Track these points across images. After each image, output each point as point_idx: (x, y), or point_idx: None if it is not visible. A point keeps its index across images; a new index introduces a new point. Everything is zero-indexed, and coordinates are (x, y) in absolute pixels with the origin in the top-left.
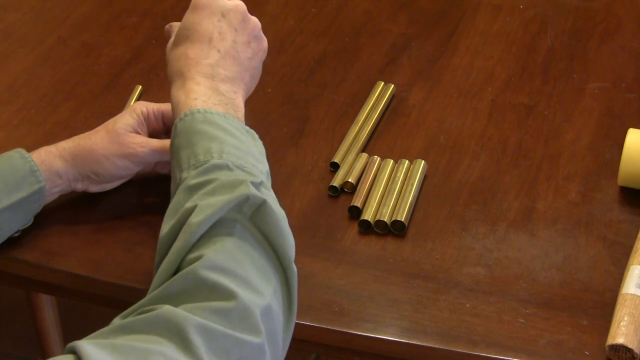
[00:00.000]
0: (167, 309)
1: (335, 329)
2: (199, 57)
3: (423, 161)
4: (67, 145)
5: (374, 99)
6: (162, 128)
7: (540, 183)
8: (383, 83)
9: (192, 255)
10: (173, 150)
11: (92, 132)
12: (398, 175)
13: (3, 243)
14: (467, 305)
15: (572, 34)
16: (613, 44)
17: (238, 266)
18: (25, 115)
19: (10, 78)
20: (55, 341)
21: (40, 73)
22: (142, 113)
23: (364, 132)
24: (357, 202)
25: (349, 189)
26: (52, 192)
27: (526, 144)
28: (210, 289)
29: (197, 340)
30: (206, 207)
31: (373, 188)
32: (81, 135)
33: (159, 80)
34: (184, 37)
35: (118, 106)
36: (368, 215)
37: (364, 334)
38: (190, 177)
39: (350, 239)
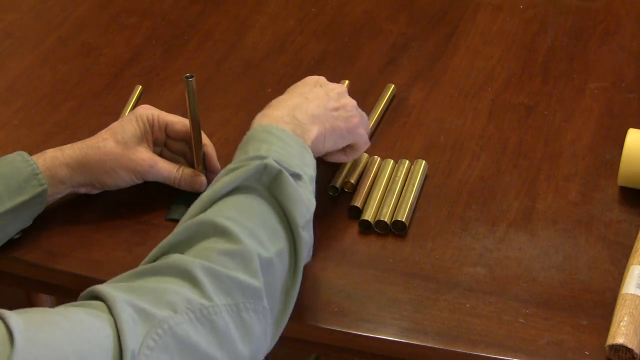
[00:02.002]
0: (175, 256)
1: (335, 329)
2: (288, 97)
3: (424, 161)
4: (74, 154)
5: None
6: (163, 138)
7: (540, 183)
8: (393, 86)
9: (209, 209)
10: (234, 158)
11: (99, 139)
12: (398, 175)
13: (3, 243)
14: (467, 305)
15: (572, 34)
16: (613, 44)
17: (248, 221)
18: (25, 115)
19: (10, 78)
20: None
21: (40, 73)
22: (148, 121)
23: None
24: (357, 202)
25: (349, 189)
26: (54, 197)
27: (526, 144)
28: (221, 233)
29: (204, 280)
30: (227, 177)
31: (373, 188)
32: (89, 144)
33: (159, 80)
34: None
35: (118, 106)
36: (368, 215)
37: (364, 334)
38: (231, 165)
39: (350, 239)
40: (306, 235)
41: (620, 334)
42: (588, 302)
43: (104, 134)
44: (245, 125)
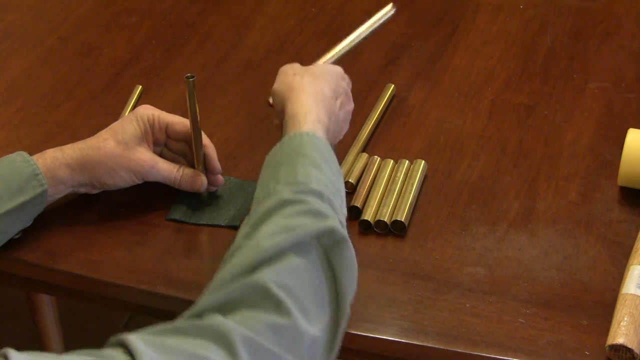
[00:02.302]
0: (217, 319)
1: None
2: (330, 97)
3: (423, 161)
4: (74, 154)
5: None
6: (163, 139)
7: (540, 183)
8: (393, 86)
9: (262, 267)
10: (272, 159)
11: (100, 139)
12: (398, 175)
13: (4, 244)
14: (467, 305)
15: (572, 34)
16: (613, 44)
17: (300, 291)
18: (25, 115)
19: (10, 78)
20: (55, 341)
21: (40, 73)
22: (148, 121)
23: (364, 132)
24: (357, 202)
25: (349, 189)
26: (54, 197)
27: (526, 144)
28: (271, 301)
29: (243, 352)
30: (292, 227)
31: (373, 188)
32: (89, 144)
33: (159, 80)
34: (319, 74)
35: (118, 106)
36: (368, 215)
37: (364, 334)
38: (285, 192)
39: (350, 239)
40: (349, 311)
41: (621, 334)
42: (588, 302)
43: (104, 134)
44: (245, 125)
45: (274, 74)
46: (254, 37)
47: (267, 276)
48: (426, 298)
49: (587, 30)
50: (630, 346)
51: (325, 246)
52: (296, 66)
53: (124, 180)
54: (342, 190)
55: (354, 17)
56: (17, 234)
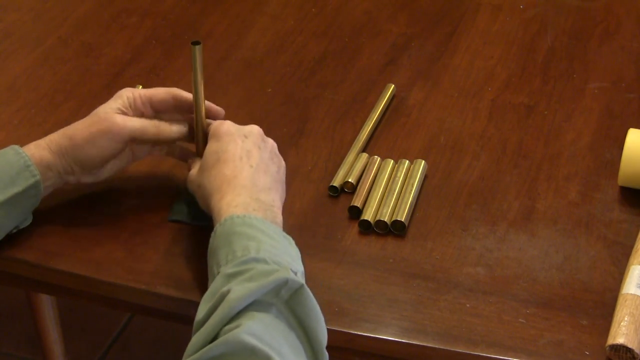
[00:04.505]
0: None
1: (335, 329)
2: (234, 172)
3: (423, 161)
4: (54, 137)
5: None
6: (150, 114)
7: (540, 183)
8: (393, 86)
9: (230, 325)
10: (211, 251)
11: (78, 121)
12: (398, 175)
13: (3, 243)
14: (467, 305)
15: (572, 34)
16: (613, 44)
17: (274, 340)
18: (25, 115)
19: (10, 78)
20: (55, 341)
21: (40, 73)
22: (127, 98)
23: (364, 132)
24: (357, 202)
25: (349, 189)
26: (46, 186)
27: (526, 144)
28: (250, 352)
29: None
30: (244, 288)
31: (373, 188)
32: (68, 126)
33: (159, 80)
34: (214, 161)
35: None
36: (368, 215)
37: (364, 334)
38: (228, 269)
39: (351, 239)
40: (327, 354)
41: (621, 334)
42: (588, 302)
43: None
44: (245, 125)
45: (274, 74)
46: (254, 37)
47: (240, 331)
48: (426, 298)
49: (587, 30)
50: (630, 346)
51: (284, 299)
52: (212, 148)
53: (98, 148)
54: (290, 249)
55: (354, 17)
56: (14, 229)
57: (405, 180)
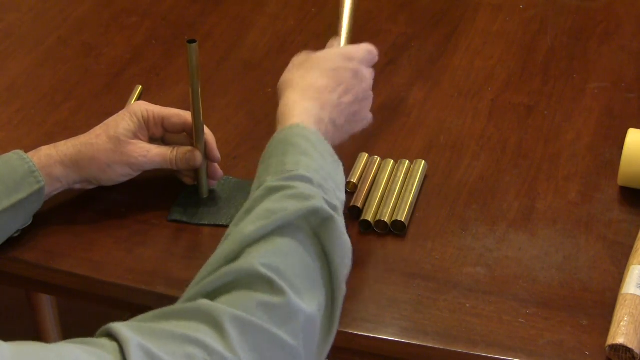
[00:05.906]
0: (205, 302)
1: None
2: (322, 88)
3: (423, 161)
4: (68, 151)
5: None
6: (160, 133)
7: (540, 183)
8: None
9: (250, 250)
10: (264, 155)
11: (93, 136)
12: (398, 175)
13: (3, 243)
14: (467, 305)
15: (572, 34)
16: (613, 44)
17: (290, 270)
18: (25, 115)
19: (10, 78)
20: (55, 341)
21: (40, 73)
22: (142, 117)
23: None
24: (358, 202)
25: (351, 189)
26: (51, 194)
27: (526, 144)
28: (260, 281)
29: (232, 331)
30: (274, 211)
31: (373, 188)
32: (83, 141)
33: (159, 80)
34: (313, 65)
35: (118, 106)
36: (368, 215)
37: (364, 334)
38: (272, 180)
39: (351, 239)
40: (345, 288)
41: (621, 334)
42: (588, 302)
43: (97, 130)
44: (245, 125)
45: (274, 74)
46: (254, 37)
47: (253, 259)
48: (426, 298)
49: (587, 30)
50: (630, 346)
51: (313, 226)
52: (300, 58)
53: (119, 174)
54: (337, 174)
55: (354, 17)
56: (16, 232)
57: (405, 180)
